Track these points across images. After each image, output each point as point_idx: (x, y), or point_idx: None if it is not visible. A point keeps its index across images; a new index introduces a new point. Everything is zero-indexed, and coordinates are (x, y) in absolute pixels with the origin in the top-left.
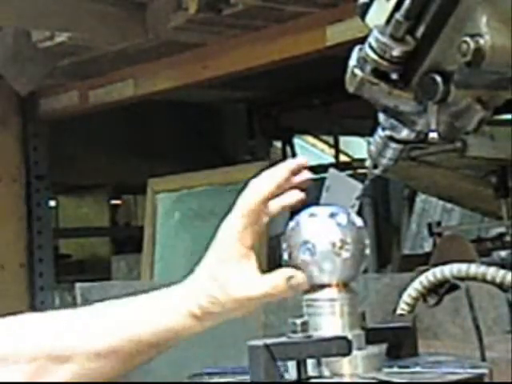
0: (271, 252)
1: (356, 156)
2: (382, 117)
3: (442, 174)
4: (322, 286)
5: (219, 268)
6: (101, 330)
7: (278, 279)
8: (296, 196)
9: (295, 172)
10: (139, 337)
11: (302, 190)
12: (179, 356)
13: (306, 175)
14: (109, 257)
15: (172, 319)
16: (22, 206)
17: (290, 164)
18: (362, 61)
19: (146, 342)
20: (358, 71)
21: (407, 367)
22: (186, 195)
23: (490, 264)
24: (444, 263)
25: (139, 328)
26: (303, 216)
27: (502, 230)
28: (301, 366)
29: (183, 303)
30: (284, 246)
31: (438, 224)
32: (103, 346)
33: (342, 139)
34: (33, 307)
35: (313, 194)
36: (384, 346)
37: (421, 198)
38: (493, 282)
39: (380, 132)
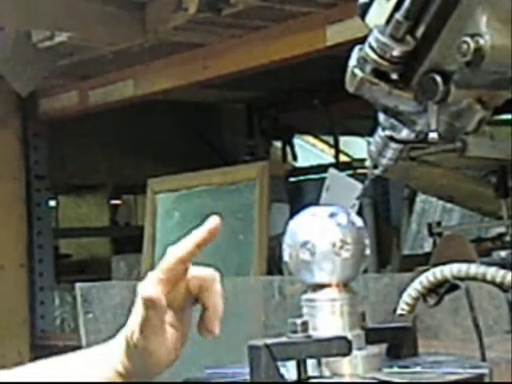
0: (271, 252)
1: (356, 156)
2: (381, 117)
3: (442, 174)
4: (322, 286)
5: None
6: None
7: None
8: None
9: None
10: None
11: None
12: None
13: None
14: (109, 257)
15: (96, 377)
16: (22, 206)
17: (206, 226)
18: (362, 61)
19: None
20: (358, 71)
21: (407, 367)
22: (186, 195)
23: (489, 264)
24: (444, 263)
25: None
26: (303, 216)
27: (502, 229)
28: (301, 366)
29: (108, 361)
30: (284, 245)
31: (438, 224)
32: None
33: (342, 139)
34: (33, 307)
35: (313, 194)
36: (384, 346)
37: (421, 198)
38: (493, 282)
39: (380, 132)
